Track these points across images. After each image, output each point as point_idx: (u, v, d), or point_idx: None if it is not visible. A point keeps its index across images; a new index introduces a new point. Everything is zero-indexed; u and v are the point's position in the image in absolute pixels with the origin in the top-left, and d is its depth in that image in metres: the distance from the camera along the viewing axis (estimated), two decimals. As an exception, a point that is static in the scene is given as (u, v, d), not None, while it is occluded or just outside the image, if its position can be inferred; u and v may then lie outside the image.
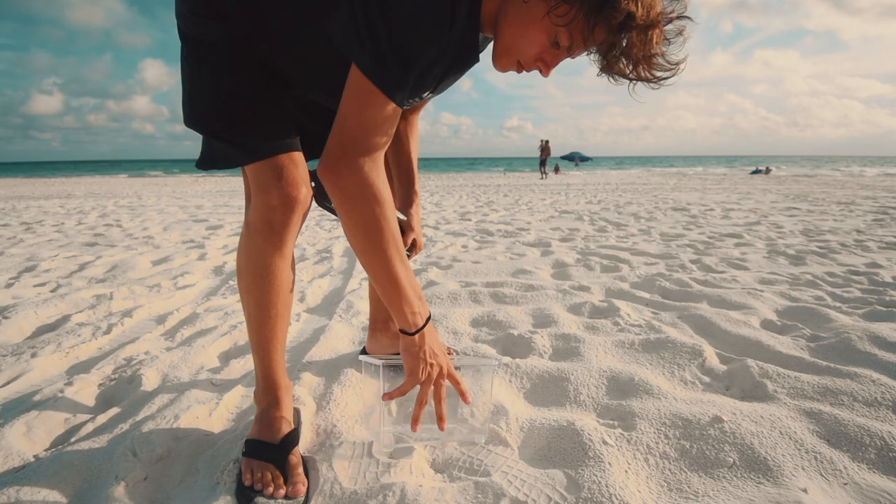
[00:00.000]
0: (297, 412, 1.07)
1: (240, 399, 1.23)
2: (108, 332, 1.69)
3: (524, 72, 0.88)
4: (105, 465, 0.92)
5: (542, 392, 1.27)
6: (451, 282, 2.36)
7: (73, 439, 1.05)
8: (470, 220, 4.95)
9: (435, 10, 0.76)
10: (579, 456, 0.96)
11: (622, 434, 1.05)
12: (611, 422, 1.12)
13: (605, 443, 1.00)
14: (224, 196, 8.67)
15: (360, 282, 2.37)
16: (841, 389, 1.20)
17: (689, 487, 0.90)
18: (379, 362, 0.96)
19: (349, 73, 0.79)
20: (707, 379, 1.33)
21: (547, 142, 17.55)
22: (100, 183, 15.41)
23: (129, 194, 9.57)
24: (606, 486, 0.87)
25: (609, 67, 0.82)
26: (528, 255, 3.06)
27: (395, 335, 1.38)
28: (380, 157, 0.82)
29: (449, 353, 1.41)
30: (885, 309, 1.83)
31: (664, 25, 0.80)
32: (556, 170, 20.67)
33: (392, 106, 0.79)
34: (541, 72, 0.87)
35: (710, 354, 1.44)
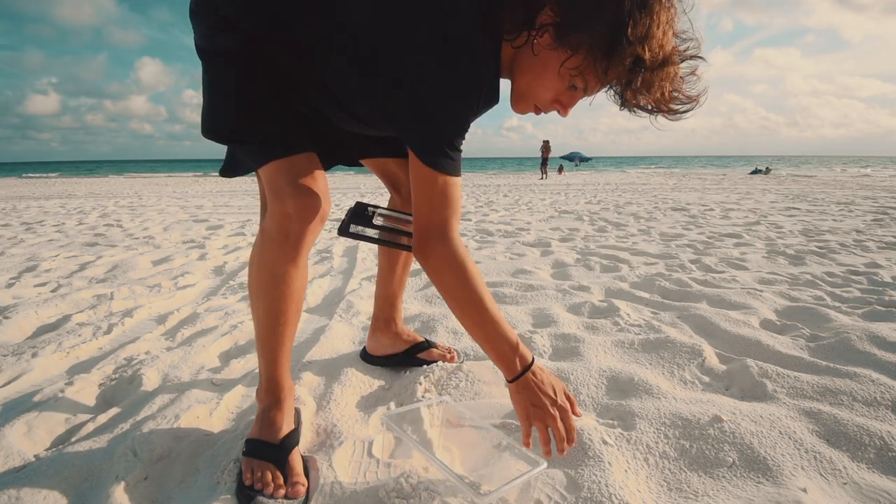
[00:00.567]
0: (297, 412, 1.07)
1: (240, 399, 1.23)
2: (108, 331, 1.69)
3: (542, 114, 0.92)
4: (105, 465, 0.93)
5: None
6: (451, 282, 2.36)
7: (73, 439, 1.05)
8: (470, 220, 4.95)
9: (470, 89, 0.83)
10: (579, 455, 0.96)
11: (622, 434, 1.05)
12: (610, 421, 1.12)
13: (604, 442, 1.00)
14: (224, 196, 8.68)
15: (360, 282, 2.38)
16: (840, 389, 1.21)
17: (688, 487, 0.90)
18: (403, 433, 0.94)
19: (411, 163, 0.87)
20: (707, 379, 1.33)
21: (547, 142, 17.56)
22: (100, 183, 15.42)
23: (129, 194, 9.57)
24: (606, 486, 0.87)
25: (628, 102, 0.84)
26: (527, 255, 3.06)
27: (395, 336, 1.39)
28: (456, 229, 0.90)
29: (449, 352, 1.41)
30: (884, 309, 1.83)
31: (679, 63, 0.82)
32: (560, 170, 20.66)
33: (456, 180, 0.88)
34: (559, 112, 0.90)
35: (710, 354, 1.44)
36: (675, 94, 0.83)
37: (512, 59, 0.88)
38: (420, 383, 1.26)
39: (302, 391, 1.23)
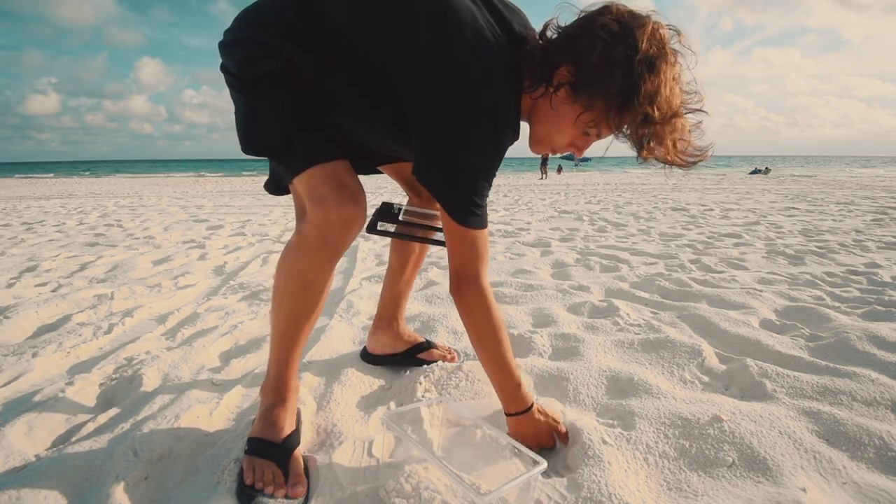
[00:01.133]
0: (297, 412, 1.07)
1: (240, 399, 1.23)
2: (108, 331, 1.69)
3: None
4: (106, 465, 0.93)
5: (542, 391, 1.27)
6: (451, 282, 2.36)
7: (73, 439, 1.05)
8: (470, 220, 4.95)
9: (490, 144, 0.89)
10: (579, 455, 0.96)
11: (622, 433, 1.05)
12: (610, 421, 1.12)
13: (604, 442, 1.00)
14: (224, 196, 8.68)
15: (360, 282, 2.38)
16: (840, 389, 1.21)
17: (688, 487, 0.90)
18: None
19: (443, 215, 0.92)
20: (706, 378, 1.33)
21: None
22: (100, 183, 15.41)
23: (129, 194, 9.57)
24: (606, 486, 0.87)
25: (641, 152, 0.89)
26: (527, 255, 3.06)
27: (396, 336, 1.39)
28: (486, 274, 0.98)
29: (449, 353, 1.42)
30: (883, 309, 1.83)
31: (685, 115, 0.88)
32: (559, 170, 20.65)
33: (483, 232, 0.95)
34: (574, 154, 0.97)
35: (710, 354, 1.44)
36: (685, 144, 0.89)
37: (530, 108, 0.95)
38: (420, 383, 1.26)
39: (302, 391, 1.23)
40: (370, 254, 3.04)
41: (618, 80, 0.82)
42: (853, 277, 2.38)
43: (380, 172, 1.27)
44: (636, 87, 0.81)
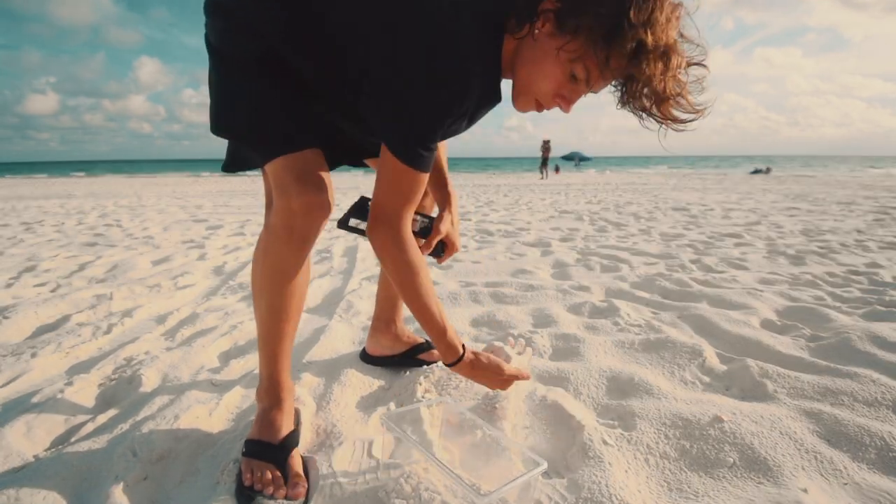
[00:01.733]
0: (297, 412, 1.07)
1: (240, 399, 1.23)
2: (108, 332, 1.69)
3: (545, 110, 0.91)
4: (105, 465, 0.92)
5: (542, 391, 1.26)
6: (452, 282, 2.36)
7: (73, 439, 1.05)
8: (470, 219, 4.95)
9: (454, 89, 0.83)
10: (579, 456, 0.96)
11: (622, 434, 1.05)
12: (611, 422, 1.12)
13: (605, 443, 1.00)
14: (224, 196, 8.67)
15: (359, 282, 2.38)
16: (841, 389, 1.20)
17: (689, 487, 0.90)
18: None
19: (383, 151, 0.89)
20: (707, 379, 1.33)
21: (548, 141, 17.55)
22: (100, 183, 15.42)
23: (129, 194, 9.57)
24: (606, 486, 0.87)
25: (631, 100, 0.83)
26: (528, 255, 3.06)
27: (395, 337, 1.38)
28: (408, 217, 0.95)
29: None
30: (885, 309, 1.83)
31: (683, 55, 0.81)
32: (557, 170, 20.67)
33: (422, 175, 0.90)
34: (561, 108, 0.90)
35: (710, 354, 1.44)
36: (679, 94, 0.81)
37: (514, 54, 0.89)
38: (420, 383, 1.26)
39: (302, 391, 1.23)
40: (370, 254, 3.04)
41: (607, 2, 0.76)
42: (854, 277, 2.38)
43: (367, 165, 1.24)
44: (627, 9, 0.75)
